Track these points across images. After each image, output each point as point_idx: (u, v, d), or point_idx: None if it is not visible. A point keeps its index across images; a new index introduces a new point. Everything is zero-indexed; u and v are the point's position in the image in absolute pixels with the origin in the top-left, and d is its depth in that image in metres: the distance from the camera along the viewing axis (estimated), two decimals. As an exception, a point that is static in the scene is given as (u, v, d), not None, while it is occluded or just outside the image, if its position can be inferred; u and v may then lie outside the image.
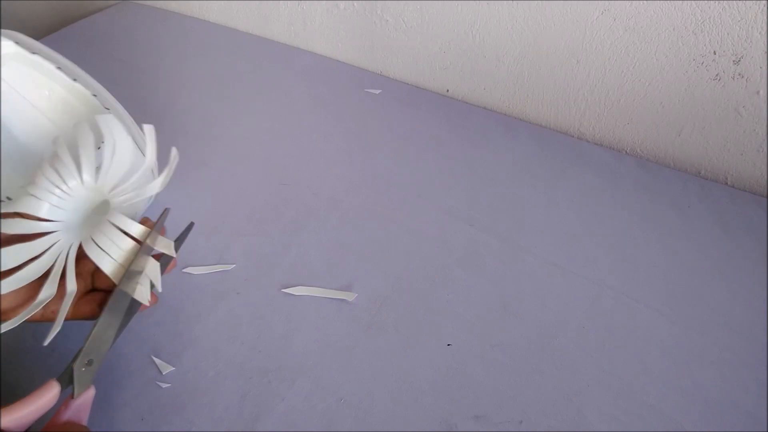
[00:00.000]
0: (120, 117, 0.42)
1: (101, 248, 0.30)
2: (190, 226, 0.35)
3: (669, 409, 0.36)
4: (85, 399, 0.28)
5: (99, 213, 0.32)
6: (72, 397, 0.28)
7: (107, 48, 0.71)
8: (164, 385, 0.36)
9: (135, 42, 0.74)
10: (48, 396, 0.27)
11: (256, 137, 0.58)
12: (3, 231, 0.28)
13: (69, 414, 0.28)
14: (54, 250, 0.30)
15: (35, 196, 0.29)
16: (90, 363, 0.29)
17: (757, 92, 0.50)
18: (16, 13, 0.75)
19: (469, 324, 0.40)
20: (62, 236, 0.31)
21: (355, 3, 0.65)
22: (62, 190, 0.30)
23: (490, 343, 0.39)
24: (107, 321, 0.30)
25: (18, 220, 0.29)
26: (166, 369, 0.37)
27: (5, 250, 0.28)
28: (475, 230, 0.48)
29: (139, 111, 0.45)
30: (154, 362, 0.37)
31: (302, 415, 0.35)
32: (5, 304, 0.29)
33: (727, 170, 0.56)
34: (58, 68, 0.39)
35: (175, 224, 0.35)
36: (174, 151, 0.33)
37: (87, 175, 0.31)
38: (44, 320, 0.30)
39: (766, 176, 0.54)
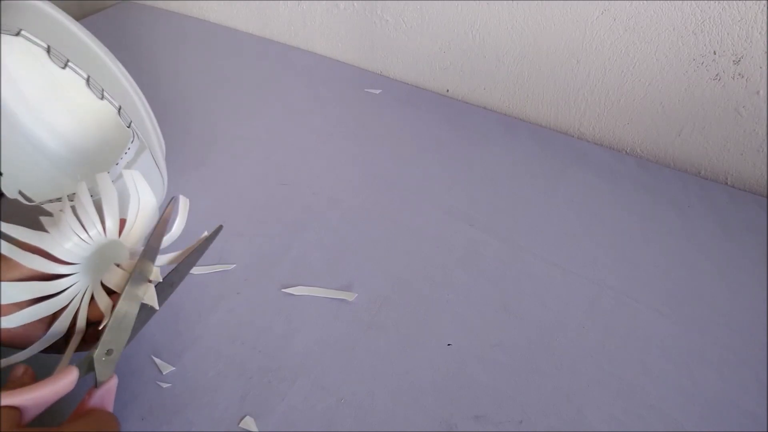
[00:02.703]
0: (142, 121, 0.43)
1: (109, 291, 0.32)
2: (219, 228, 0.35)
3: (669, 409, 0.36)
4: (108, 387, 0.29)
5: (109, 251, 0.33)
6: (95, 386, 0.28)
7: (107, 48, 0.71)
8: (164, 385, 0.36)
9: (135, 42, 0.74)
10: (66, 380, 0.27)
11: (256, 137, 0.58)
12: (23, 263, 0.29)
13: (93, 402, 0.28)
14: (71, 291, 0.31)
15: (56, 240, 0.30)
16: (110, 353, 0.29)
17: (757, 92, 0.50)
18: (16, 13, 0.75)
19: (469, 324, 0.40)
20: (79, 278, 0.32)
21: (355, 3, 0.65)
22: (82, 238, 0.31)
23: (490, 343, 0.39)
24: (123, 311, 0.30)
25: (37, 257, 0.30)
26: (167, 369, 0.37)
27: (21, 284, 0.29)
28: (475, 230, 0.48)
29: (139, 111, 0.46)
30: (154, 362, 0.37)
31: (302, 415, 0.35)
32: (18, 333, 0.30)
33: (727, 170, 0.56)
34: (87, 80, 0.39)
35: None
36: (183, 198, 0.35)
37: (111, 224, 0.32)
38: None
39: (766, 176, 0.54)
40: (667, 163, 0.59)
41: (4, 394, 0.24)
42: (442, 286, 0.43)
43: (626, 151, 0.61)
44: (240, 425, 0.34)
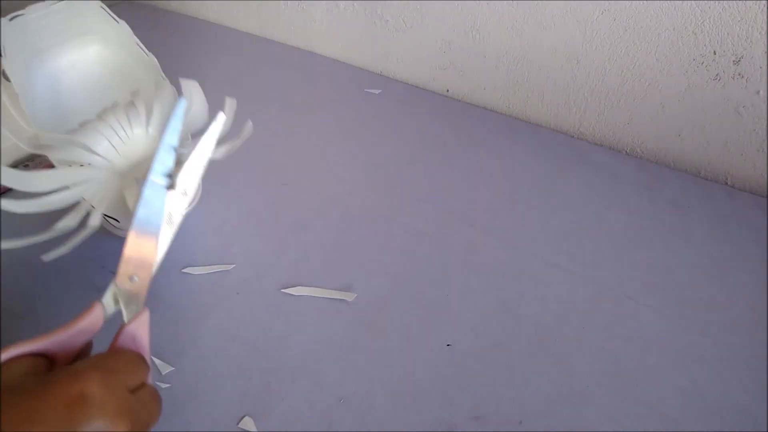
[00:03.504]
0: None
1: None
2: (220, 117, 0.31)
3: (669, 409, 0.36)
4: (139, 323, 0.25)
5: (143, 165, 0.32)
6: (125, 323, 0.25)
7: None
8: (164, 386, 0.36)
9: (135, 42, 0.73)
10: (89, 318, 0.24)
11: (256, 137, 0.58)
12: (58, 156, 0.29)
13: (122, 341, 0.25)
14: (92, 184, 0.30)
15: (100, 132, 0.30)
16: (133, 279, 0.26)
17: (757, 92, 0.50)
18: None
19: (469, 324, 0.40)
20: (104, 175, 0.31)
21: (355, 3, 0.65)
22: (126, 134, 0.31)
23: (490, 343, 0.39)
24: (137, 232, 0.27)
25: (72, 147, 0.29)
26: (166, 369, 0.37)
27: (46, 172, 0.29)
28: (475, 230, 0.48)
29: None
30: (154, 362, 0.37)
31: (302, 415, 0.35)
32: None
33: (727, 170, 0.56)
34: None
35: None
36: (249, 123, 0.35)
37: (152, 129, 0.32)
38: None
39: (766, 176, 0.54)
40: (667, 163, 0.59)
41: (26, 341, 0.22)
42: (441, 286, 0.43)
43: (626, 151, 0.61)
44: (239, 425, 0.34)
